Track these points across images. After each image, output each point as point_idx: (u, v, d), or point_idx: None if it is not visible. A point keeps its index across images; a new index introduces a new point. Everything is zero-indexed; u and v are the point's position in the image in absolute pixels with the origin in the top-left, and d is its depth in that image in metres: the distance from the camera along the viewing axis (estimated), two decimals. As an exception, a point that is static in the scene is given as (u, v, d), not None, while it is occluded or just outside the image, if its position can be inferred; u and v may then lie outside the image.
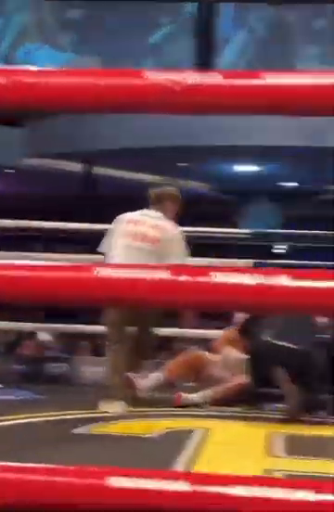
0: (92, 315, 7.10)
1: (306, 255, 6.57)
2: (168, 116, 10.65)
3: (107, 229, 5.34)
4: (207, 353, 5.67)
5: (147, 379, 5.21)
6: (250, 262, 6.09)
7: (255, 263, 6.07)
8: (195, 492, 1.48)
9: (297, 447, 3.89)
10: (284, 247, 10.99)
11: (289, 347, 4.79)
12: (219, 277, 1.48)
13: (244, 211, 11.67)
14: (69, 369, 7.31)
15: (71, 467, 1.54)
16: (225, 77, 1.36)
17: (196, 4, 11.60)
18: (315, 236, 6.22)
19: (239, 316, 5.52)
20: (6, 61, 11.49)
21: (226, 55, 11.29)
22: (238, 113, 1.42)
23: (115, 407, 4.83)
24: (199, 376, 5.61)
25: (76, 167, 11.83)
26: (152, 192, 5.35)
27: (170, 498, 1.48)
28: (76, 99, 1.43)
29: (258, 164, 11.75)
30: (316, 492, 1.46)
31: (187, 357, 5.57)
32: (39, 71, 1.45)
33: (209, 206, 11.69)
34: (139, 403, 5.04)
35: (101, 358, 5.86)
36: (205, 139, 10.13)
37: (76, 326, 7.16)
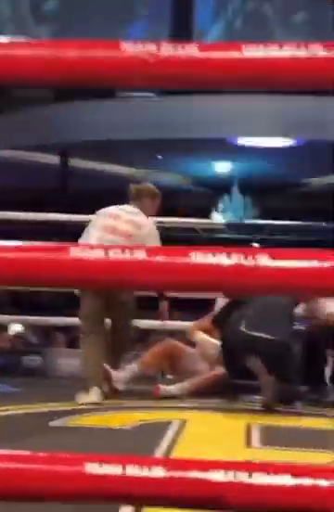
0: (67, 308, 7.07)
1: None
2: (144, 108, 10.64)
3: (82, 221, 5.33)
4: (181, 344, 5.67)
5: (123, 371, 5.20)
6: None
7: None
8: (173, 478, 1.45)
9: (275, 438, 3.87)
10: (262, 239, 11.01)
11: (266, 338, 4.77)
12: (199, 258, 1.45)
13: (219, 205, 11.66)
14: (43, 362, 7.26)
15: (42, 454, 1.50)
16: (202, 49, 1.31)
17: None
18: (293, 229, 6.23)
19: (218, 307, 5.51)
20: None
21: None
22: (216, 87, 1.38)
23: (91, 396, 4.80)
24: (174, 367, 5.61)
25: (48, 158, 11.73)
26: (132, 187, 5.39)
27: (147, 485, 1.45)
28: (46, 72, 1.38)
29: (233, 157, 11.74)
30: (293, 476, 1.44)
31: (162, 348, 5.56)
32: (6, 44, 1.40)
33: (184, 199, 11.67)
34: (116, 395, 5.02)
35: (77, 350, 5.83)
36: (181, 132, 10.10)
37: (50, 318, 7.13)
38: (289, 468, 1.43)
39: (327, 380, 5.57)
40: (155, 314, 5.75)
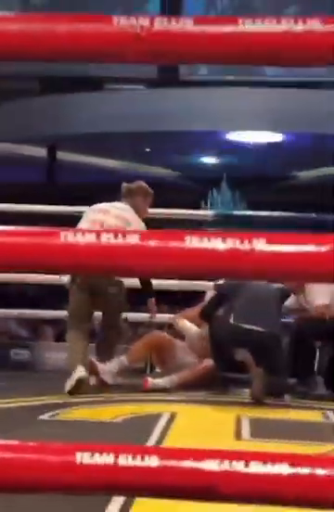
0: (55, 300, 7.02)
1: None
2: (133, 101, 10.59)
3: (70, 212, 5.36)
4: (170, 336, 5.65)
5: (111, 364, 5.18)
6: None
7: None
8: (167, 468, 1.41)
9: (264, 430, 3.85)
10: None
11: (256, 330, 4.74)
12: (194, 242, 1.41)
13: (208, 198, 11.62)
14: (32, 355, 7.23)
15: (32, 443, 1.46)
16: (196, 23, 1.27)
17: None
18: (283, 221, 6.21)
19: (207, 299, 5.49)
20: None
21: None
22: (211, 62, 1.34)
23: (76, 374, 4.78)
24: (163, 359, 5.59)
25: (35, 151, 11.62)
26: (124, 186, 5.45)
27: (140, 474, 1.41)
28: (34, 46, 1.33)
29: (222, 151, 11.72)
30: (291, 465, 1.40)
31: (150, 340, 5.55)
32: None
33: (173, 192, 11.60)
34: (105, 388, 5.00)
35: (65, 344, 5.81)
36: (170, 125, 10.07)
37: (38, 311, 7.10)
38: (287, 457, 1.40)
39: (316, 372, 5.56)
40: (143, 308, 5.74)
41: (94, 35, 1.32)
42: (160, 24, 1.30)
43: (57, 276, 5.90)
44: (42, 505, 2.23)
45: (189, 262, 1.43)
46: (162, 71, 10.60)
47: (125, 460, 1.41)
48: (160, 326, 6.09)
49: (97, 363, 5.13)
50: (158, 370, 5.95)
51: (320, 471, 1.37)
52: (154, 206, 5.67)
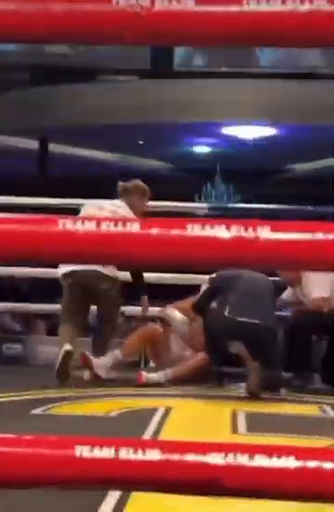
0: (47, 294, 6.97)
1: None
2: (126, 92, 10.48)
3: (62, 205, 5.39)
4: (162, 329, 5.62)
5: (105, 358, 5.15)
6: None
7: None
8: (168, 461, 1.37)
9: (261, 425, 3.82)
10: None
11: (252, 322, 4.71)
12: (196, 230, 1.37)
13: (202, 191, 11.54)
14: (24, 349, 7.19)
15: (28, 437, 1.42)
16: (199, 2, 1.23)
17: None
18: (279, 213, 6.16)
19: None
20: None
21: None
22: (213, 44, 1.30)
23: (61, 350, 4.87)
24: (157, 353, 5.56)
25: (27, 143, 11.50)
26: (120, 185, 5.46)
27: (142, 468, 1.37)
28: (29, 27, 1.29)
29: (216, 143, 11.64)
30: (296, 459, 1.37)
31: (144, 333, 5.51)
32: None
33: (166, 185, 11.51)
34: (99, 382, 4.98)
35: (58, 338, 5.78)
36: (163, 116, 9.98)
37: (30, 304, 7.06)
38: (293, 451, 1.36)
39: (312, 366, 5.51)
40: (137, 302, 5.72)
41: (91, 15, 1.27)
42: (161, 4, 1.25)
43: (50, 270, 5.92)
44: (37, 499, 2.20)
45: (192, 250, 1.39)
46: (156, 62, 10.49)
47: (126, 454, 1.37)
48: (154, 320, 6.05)
49: (91, 357, 5.10)
50: (152, 364, 5.92)
51: (327, 465, 1.33)
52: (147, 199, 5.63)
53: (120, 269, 5.25)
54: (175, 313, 5.44)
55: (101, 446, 1.38)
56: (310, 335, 5.33)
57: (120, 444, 1.38)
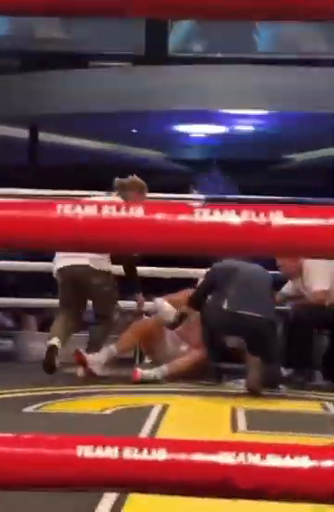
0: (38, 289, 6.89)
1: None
2: (119, 78, 10.30)
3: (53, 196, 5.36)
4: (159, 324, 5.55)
5: (100, 354, 5.08)
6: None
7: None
8: (175, 461, 1.29)
9: (261, 422, 3.76)
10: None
11: (253, 315, 4.62)
12: (205, 216, 1.29)
13: (198, 182, 11.36)
14: (15, 345, 7.09)
15: (27, 436, 1.34)
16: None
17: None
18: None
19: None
20: None
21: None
22: (215, 18, 1.21)
23: (48, 343, 4.99)
24: (153, 348, 5.49)
25: (14, 132, 11.26)
26: (117, 181, 5.41)
27: (147, 468, 1.29)
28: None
29: (212, 133, 11.47)
30: (311, 458, 1.29)
31: (139, 328, 5.44)
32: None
33: (160, 176, 11.35)
34: (94, 378, 4.92)
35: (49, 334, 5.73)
36: (157, 104, 9.80)
37: (21, 299, 6.99)
38: (307, 450, 1.29)
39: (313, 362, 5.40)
40: (131, 296, 5.67)
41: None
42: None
43: (41, 263, 5.90)
44: (37, 499, 2.13)
45: (200, 236, 1.31)
46: (150, 48, 10.29)
47: (130, 454, 1.29)
48: (149, 314, 5.96)
49: (85, 353, 5.04)
50: (147, 360, 5.83)
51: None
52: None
53: (113, 263, 5.19)
54: (164, 303, 5.36)
55: (104, 446, 1.30)
56: (311, 329, 5.18)
57: (123, 444, 1.31)
